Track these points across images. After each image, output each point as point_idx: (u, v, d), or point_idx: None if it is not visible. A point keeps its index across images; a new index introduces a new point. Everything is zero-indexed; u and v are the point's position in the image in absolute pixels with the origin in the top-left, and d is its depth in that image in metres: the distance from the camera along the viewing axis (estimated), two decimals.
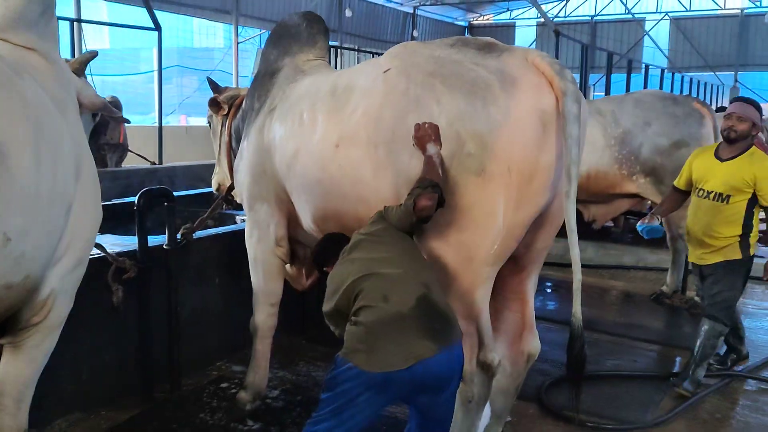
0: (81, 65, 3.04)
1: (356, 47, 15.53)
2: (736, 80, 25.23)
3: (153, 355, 3.84)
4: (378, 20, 25.09)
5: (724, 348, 4.62)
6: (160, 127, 9.38)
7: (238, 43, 19.09)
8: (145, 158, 9.15)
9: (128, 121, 4.58)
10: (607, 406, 3.95)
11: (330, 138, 2.99)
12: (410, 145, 2.62)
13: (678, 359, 4.86)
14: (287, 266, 3.80)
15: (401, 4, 25.85)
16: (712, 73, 24.61)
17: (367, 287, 2.41)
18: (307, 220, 3.33)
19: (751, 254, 4.10)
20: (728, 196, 4.02)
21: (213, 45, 22.36)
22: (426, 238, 2.68)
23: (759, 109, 4.07)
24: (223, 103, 4.22)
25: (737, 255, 4.07)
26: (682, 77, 19.27)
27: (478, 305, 2.71)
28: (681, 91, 17.44)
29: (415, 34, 25.77)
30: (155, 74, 9.58)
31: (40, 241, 2.03)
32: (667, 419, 3.84)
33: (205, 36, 22.01)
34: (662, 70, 17.48)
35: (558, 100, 2.56)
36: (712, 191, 4.07)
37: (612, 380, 4.31)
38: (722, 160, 4.07)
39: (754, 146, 4.07)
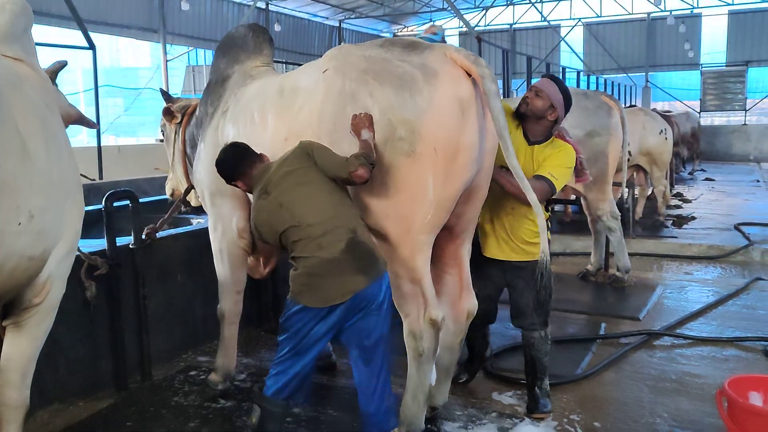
0: (52, 75, 3.22)
1: (284, 60, 15.84)
2: (647, 80, 26.63)
3: (125, 347, 4.07)
4: (306, 34, 25.48)
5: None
6: (99, 146, 9.45)
7: (167, 61, 19.07)
8: (86, 176, 9.20)
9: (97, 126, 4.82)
10: None
11: (280, 133, 3.33)
12: (350, 134, 2.98)
13: (603, 325, 5.38)
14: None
15: (327, 18, 26.31)
16: (625, 75, 25.97)
17: (302, 240, 2.85)
18: None
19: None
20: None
21: (140, 64, 22.22)
22: (368, 215, 3.04)
23: (567, 96, 3.63)
24: (176, 112, 4.46)
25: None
26: (597, 79, 20.33)
27: (420, 270, 3.08)
28: None
29: None
30: (93, 93, 9.64)
31: (52, 220, 2.31)
32: (596, 371, 4.33)
33: (132, 55, 21.83)
34: (578, 73, 18.49)
35: (478, 85, 2.94)
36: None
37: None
38: (530, 143, 3.64)
39: (554, 137, 3.68)
